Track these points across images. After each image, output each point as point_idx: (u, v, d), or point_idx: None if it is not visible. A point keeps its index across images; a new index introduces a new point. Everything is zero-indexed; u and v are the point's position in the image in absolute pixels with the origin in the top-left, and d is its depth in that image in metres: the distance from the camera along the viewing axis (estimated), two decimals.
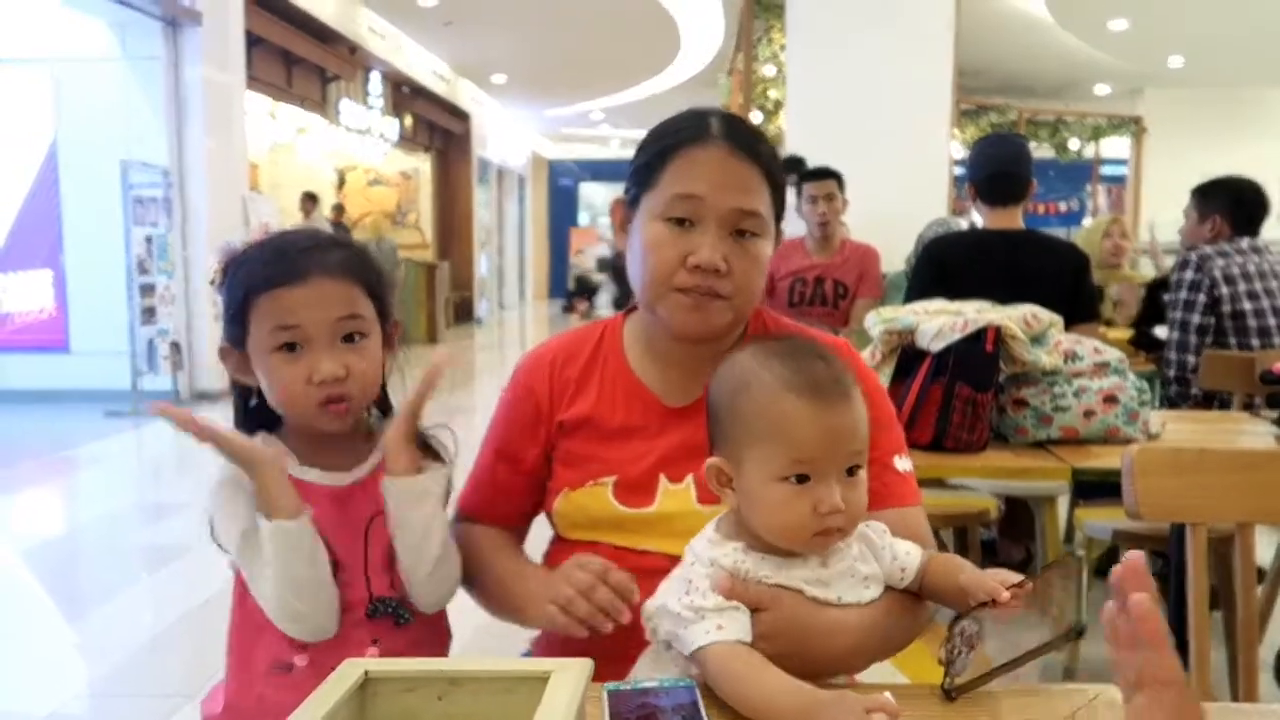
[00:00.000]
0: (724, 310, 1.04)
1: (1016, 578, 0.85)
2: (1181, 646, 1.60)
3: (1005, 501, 3.16)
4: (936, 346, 1.76)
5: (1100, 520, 2.41)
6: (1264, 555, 2.01)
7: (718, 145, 1.04)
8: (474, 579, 1.13)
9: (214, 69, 7.03)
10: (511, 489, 1.16)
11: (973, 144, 2.91)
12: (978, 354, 1.75)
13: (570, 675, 0.60)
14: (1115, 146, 12.59)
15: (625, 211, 1.12)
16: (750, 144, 1.05)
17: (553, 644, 1.12)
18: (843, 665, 0.92)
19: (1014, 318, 1.81)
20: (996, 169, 2.68)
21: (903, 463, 1.09)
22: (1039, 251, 2.66)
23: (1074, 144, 12.00)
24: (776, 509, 0.87)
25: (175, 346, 6.81)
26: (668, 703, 0.81)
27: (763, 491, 0.87)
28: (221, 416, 1.12)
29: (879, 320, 1.84)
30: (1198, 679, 1.25)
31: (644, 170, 1.07)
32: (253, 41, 7.99)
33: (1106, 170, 13.36)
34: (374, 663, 0.62)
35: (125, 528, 4.16)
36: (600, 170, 21.02)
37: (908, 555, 0.94)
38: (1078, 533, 2.70)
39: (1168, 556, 2.84)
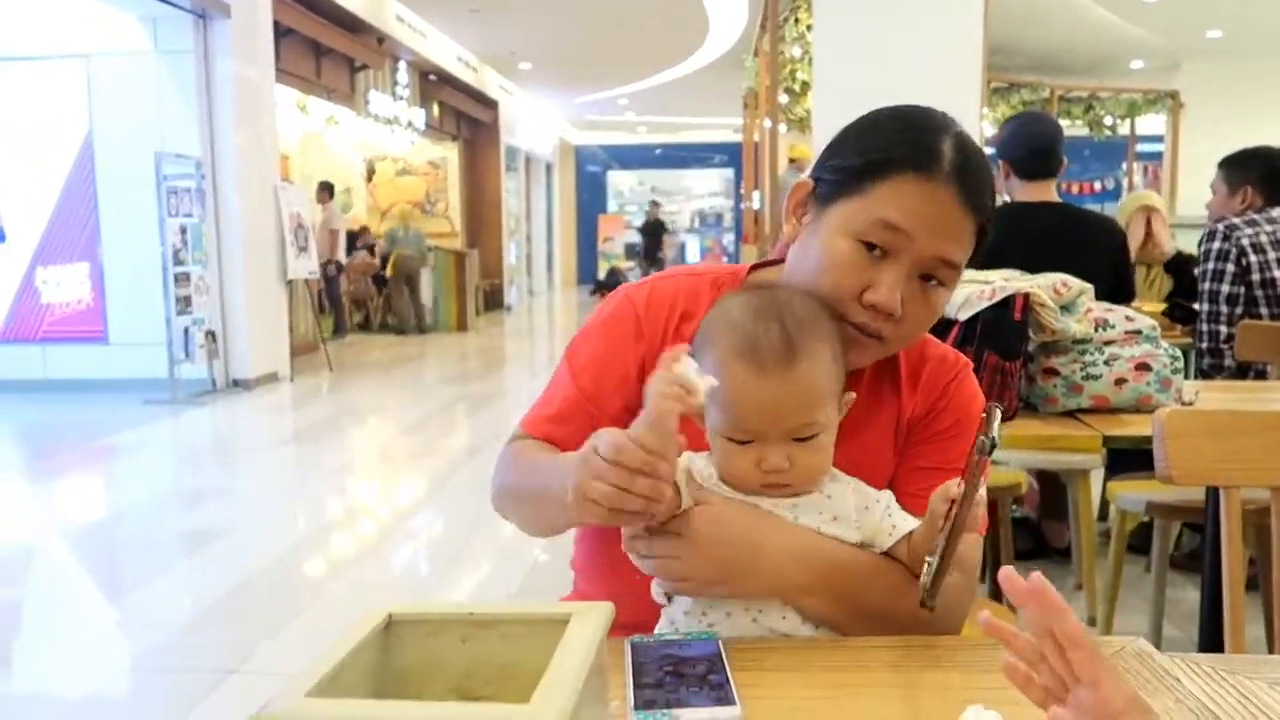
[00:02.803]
0: (878, 352, 0.96)
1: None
2: (1216, 622, 1.59)
3: (1040, 480, 3.14)
4: (964, 315, 1.74)
5: (1133, 493, 2.38)
6: None
7: (946, 186, 0.91)
8: (518, 486, 1.01)
9: (243, 61, 7.10)
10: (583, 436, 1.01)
11: (1003, 122, 2.88)
12: (1006, 322, 1.74)
13: (590, 619, 0.60)
14: (1151, 124, 12.35)
15: (809, 202, 0.98)
16: (978, 193, 0.93)
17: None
18: (781, 575, 0.88)
19: (1043, 285, 1.79)
20: (1037, 144, 2.68)
21: None
22: (1079, 225, 2.65)
23: (1108, 121, 11.78)
24: (723, 459, 0.90)
25: (211, 335, 6.91)
26: (691, 653, 0.82)
27: (713, 439, 0.91)
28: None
29: None
30: (1232, 644, 1.23)
31: (851, 174, 0.94)
32: (281, 33, 8.06)
33: (1143, 148, 13.12)
34: (398, 606, 0.64)
35: (164, 512, 4.24)
36: (628, 157, 20.99)
37: (905, 519, 0.92)
38: (1111, 506, 2.67)
39: (1202, 532, 2.81)
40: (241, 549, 3.63)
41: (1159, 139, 12.46)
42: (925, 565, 0.83)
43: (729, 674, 0.76)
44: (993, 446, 0.78)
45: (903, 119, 0.96)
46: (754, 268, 1.09)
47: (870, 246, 0.92)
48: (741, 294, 0.94)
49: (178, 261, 6.69)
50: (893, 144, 0.93)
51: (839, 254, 0.93)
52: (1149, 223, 3.77)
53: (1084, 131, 11.66)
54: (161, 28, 6.83)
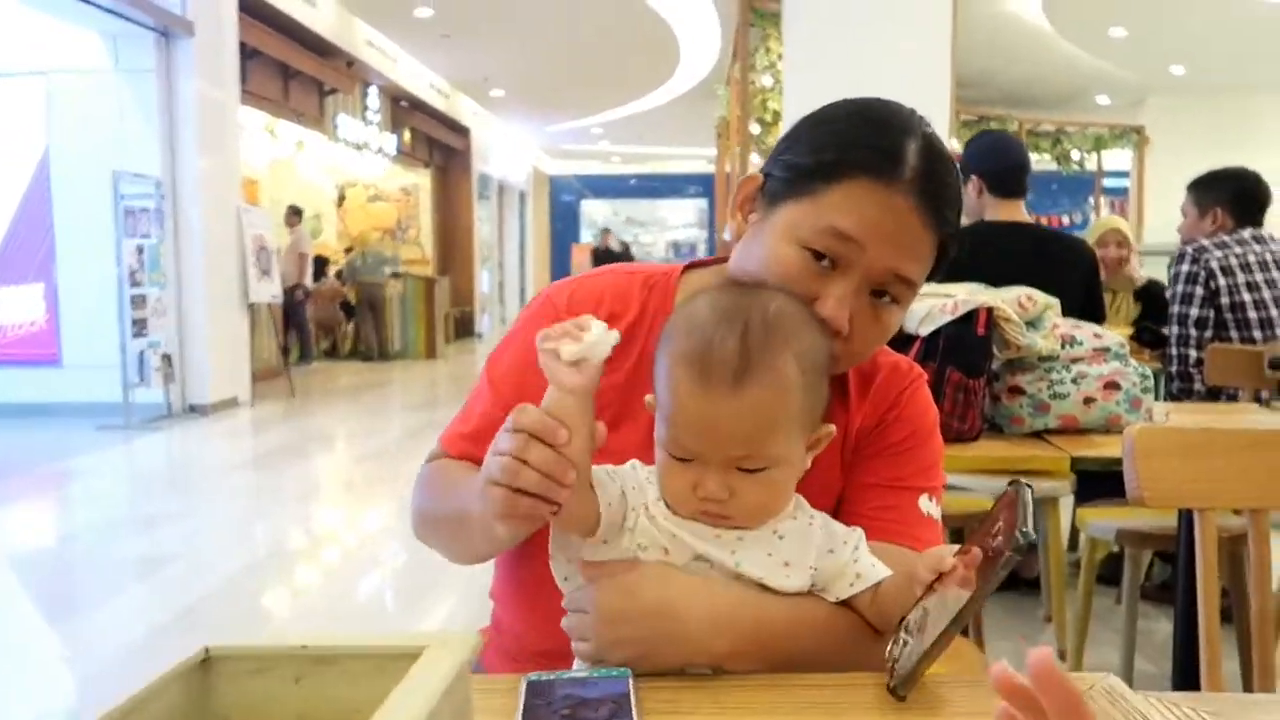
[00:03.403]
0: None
1: (956, 548, 0.73)
2: (1190, 656, 1.50)
3: None
4: (925, 330, 1.66)
5: (1103, 520, 2.30)
6: (1277, 560, 1.91)
7: (906, 195, 0.81)
8: (435, 509, 0.93)
9: (207, 80, 7.00)
10: None
11: (970, 140, 2.81)
12: (969, 337, 1.65)
13: (448, 652, 0.49)
14: (1117, 158, 12.51)
15: (757, 199, 0.89)
16: (942, 204, 0.84)
17: (503, 650, 1.00)
18: (702, 645, 0.76)
19: (1007, 300, 1.71)
20: (1014, 161, 2.62)
21: (929, 505, 0.91)
22: (1051, 245, 2.60)
23: (1075, 155, 11.91)
24: (661, 473, 0.79)
25: (167, 359, 6.74)
26: (596, 693, 0.71)
27: (657, 450, 0.80)
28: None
29: None
30: (1209, 681, 1.14)
31: (802, 173, 0.84)
32: (248, 54, 7.97)
33: (1109, 182, 13.27)
34: (219, 641, 0.52)
35: (114, 538, 4.12)
36: (602, 186, 21.02)
37: (873, 568, 0.79)
38: (1081, 535, 2.59)
39: (1174, 562, 2.73)
40: (192, 575, 3.53)
41: (1125, 174, 12.62)
42: (899, 641, 0.72)
43: (634, 718, 0.65)
44: (1029, 545, 0.65)
45: (864, 115, 0.87)
46: (689, 266, 0.99)
47: (819, 255, 0.82)
48: (718, 290, 0.83)
49: (134, 283, 6.52)
50: (850, 143, 0.83)
51: (784, 261, 0.83)
52: (1116, 246, 3.74)
53: (1052, 166, 11.76)
54: (123, 45, 6.71)
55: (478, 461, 0.86)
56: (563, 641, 0.82)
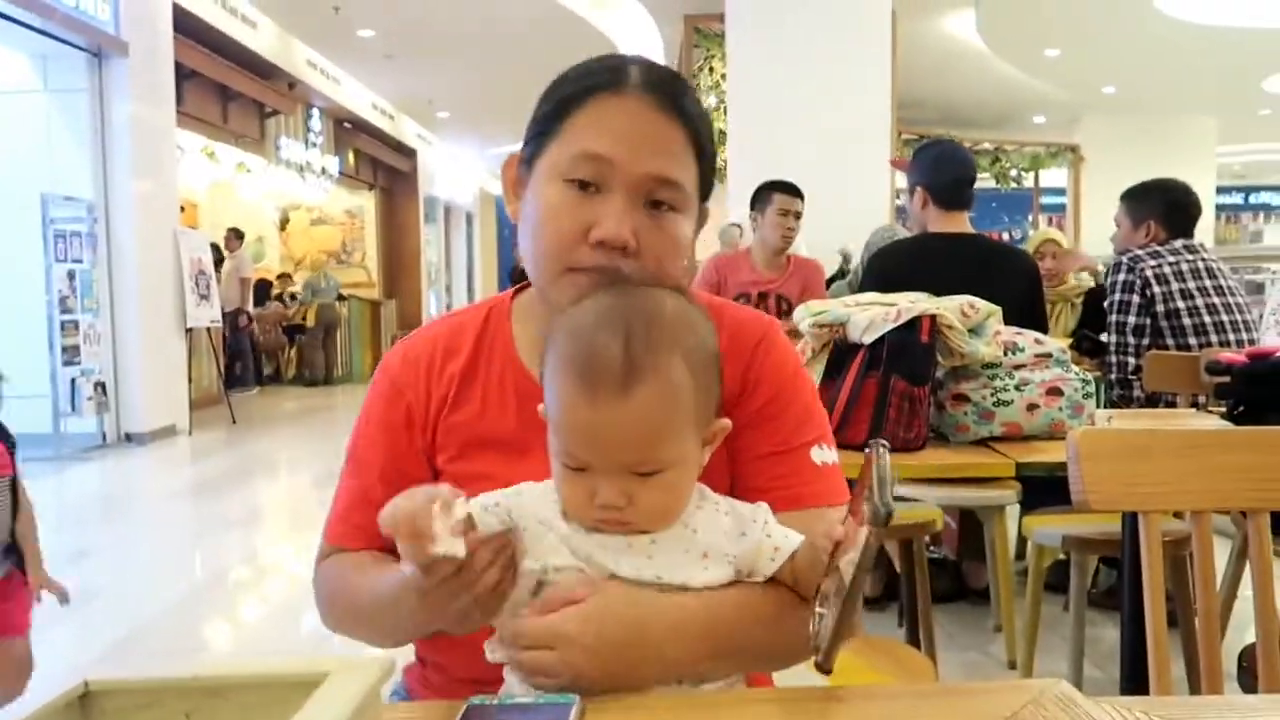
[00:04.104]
0: None
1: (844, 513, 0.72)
2: (1138, 660, 1.50)
3: (960, 520, 3.06)
4: (869, 338, 1.65)
5: (1049, 527, 2.30)
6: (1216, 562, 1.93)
7: (637, 96, 0.85)
8: (352, 603, 0.89)
9: (141, 102, 6.83)
10: None
11: (917, 150, 2.81)
12: (913, 344, 1.65)
13: (352, 679, 0.45)
14: (1054, 176, 12.83)
15: (520, 172, 0.91)
16: (676, 99, 0.86)
17: (428, 681, 0.95)
18: (687, 665, 0.76)
19: (950, 307, 1.71)
20: (962, 174, 2.62)
21: (823, 454, 0.90)
22: (994, 257, 2.61)
23: (1014, 172, 12.19)
24: (560, 484, 0.77)
25: (100, 387, 6.53)
26: (536, 718, 0.67)
27: (553, 461, 0.77)
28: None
29: (808, 314, 1.73)
30: (1158, 685, 1.13)
31: (544, 121, 0.88)
32: (184, 75, 7.81)
33: (1046, 200, 13.60)
34: (99, 674, 0.48)
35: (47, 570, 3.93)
36: None
37: (786, 538, 0.78)
38: (1029, 542, 2.60)
39: (1119, 567, 2.76)
40: (124, 608, 3.38)
41: (1062, 191, 12.94)
42: (816, 616, 0.70)
43: None
44: (888, 517, 0.63)
45: (588, 61, 0.92)
46: (522, 288, 0.98)
47: (583, 185, 0.84)
48: (602, 293, 0.80)
49: (65, 309, 6.32)
50: (579, 79, 0.88)
51: (552, 201, 0.85)
52: (1053, 259, 3.81)
53: (991, 183, 12.02)
54: (53, 66, 6.53)
55: (366, 535, 0.88)
56: (488, 670, 0.77)
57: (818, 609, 0.70)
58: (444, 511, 0.68)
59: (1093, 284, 4.10)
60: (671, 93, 0.86)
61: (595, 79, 0.86)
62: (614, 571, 0.75)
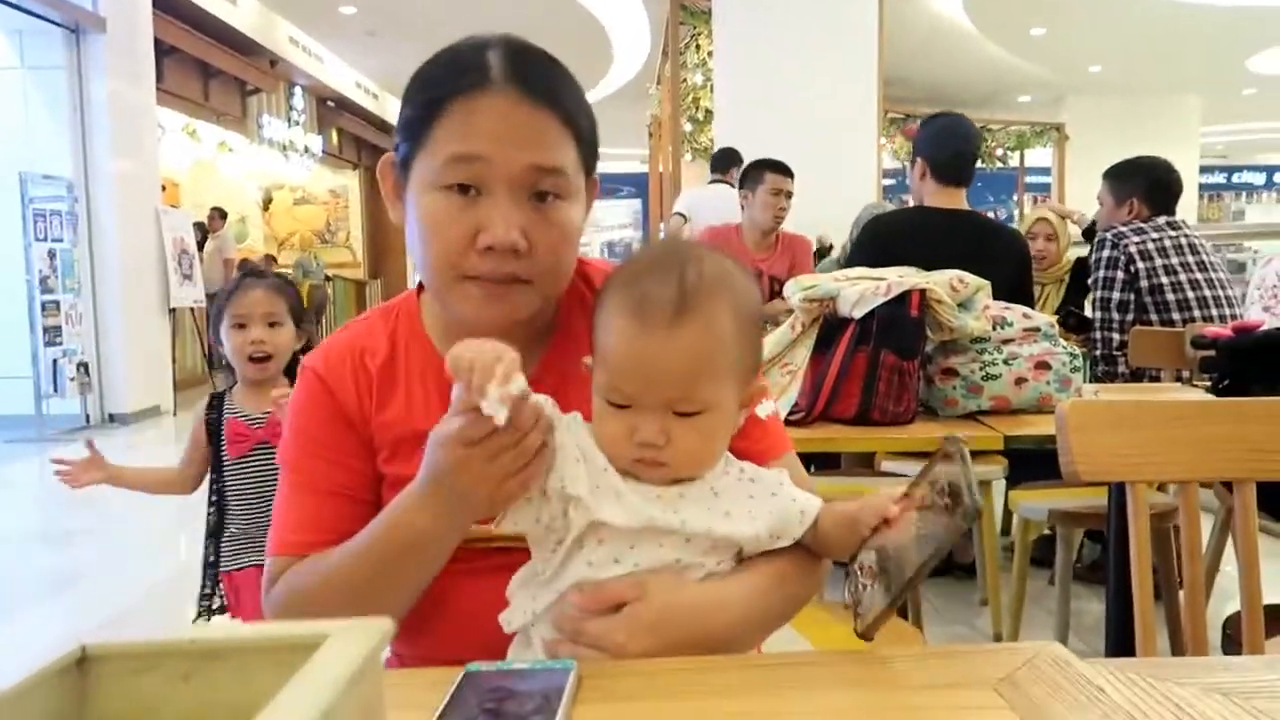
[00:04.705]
0: (528, 297, 0.85)
1: (898, 493, 0.76)
2: (1123, 628, 1.51)
3: None
4: (859, 312, 1.65)
5: (1035, 501, 2.32)
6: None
7: (502, 91, 0.82)
8: (346, 581, 0.83)
9: (121, 79, 6.74)
10: (361, 526, 0.84)
11: (925, 120, 2.78)
12: (902, 318, 1.65)
13: (352, 640, 0.45)
14: (1039, 156, 12.85)
15: (396, 176, 0.89)
16: (545, 86, 0.83)
17: (417, 644, 0.91)
18: (730, 644, 0.79)
19: (939, 282, 1.71)
20: (962, 148, 2.60)
21: (764, 408, 0.93)
22: (987, 234, 2.60)
23: (999, 152, 12.20)
24: (599, 422, 0.79)
25: (83, 367, 6.47)
26: (528, 686, 0.67)
27: (596, 402, 0.80)
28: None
29: (798, 288, 1.73)
30: (1144, 652, 1.15)
31: (412, 126, 0.85)
32: (165, 51, 7.71)
33: (1031, 179, 13.63)
34: (96, 638, 0.47)
35: (26, 554, 3.95)
36: None
37: (809, 501, 0.82)
38: (1015, 516, 2.62)
39: (1104, 542, 2.78)
40: (111, 589, 3.38)
41: (1047, 170, 12.97)
42: (857, 586, 0.74)
43: (562, 713, 0.62)
44: (978, 513, 0.68)
45: (446, 51, 0.88)
46: (421, 288, 0.97)
47: (462, 189, 0.82)
48: (653, 245, 0.85)
49: (46, 289, 6.25)
50: (438, 80, 0.85)
51: (433, 211, 0.83)
52: (1045, 240, 3.77)
53: (977, 164, 12.00)
54: (29, 42, 6.43)
55: (320, 549, 0.85)
56: (469, 656, 0.77)
57: (861, 579, 0.74)
58: (503, 377, 0.68)
59: (1084, 250, 4.02)
60: (542, 79, 0.84)
61: (457, 81, 0.83)
62: (642, 509, 0.77)
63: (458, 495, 0.74)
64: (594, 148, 0.89)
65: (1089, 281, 3.01)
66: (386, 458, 0.89)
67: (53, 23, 6.31)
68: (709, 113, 8.37)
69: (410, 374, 0.91)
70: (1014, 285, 2.48)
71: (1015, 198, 13.74)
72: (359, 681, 0.44)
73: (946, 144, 2.59)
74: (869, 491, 0.80)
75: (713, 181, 4.93)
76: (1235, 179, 19.37)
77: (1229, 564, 2.32)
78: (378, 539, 0.81)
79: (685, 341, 0.74)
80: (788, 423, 1.53)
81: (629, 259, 0.83)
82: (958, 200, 2.59)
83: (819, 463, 2.60)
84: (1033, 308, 2.65)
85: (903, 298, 1.65)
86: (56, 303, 6.34)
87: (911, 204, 2.74)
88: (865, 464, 2.31)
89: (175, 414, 7.20)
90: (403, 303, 0.96)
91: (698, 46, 8.28)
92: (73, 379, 6.37)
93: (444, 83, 0.83)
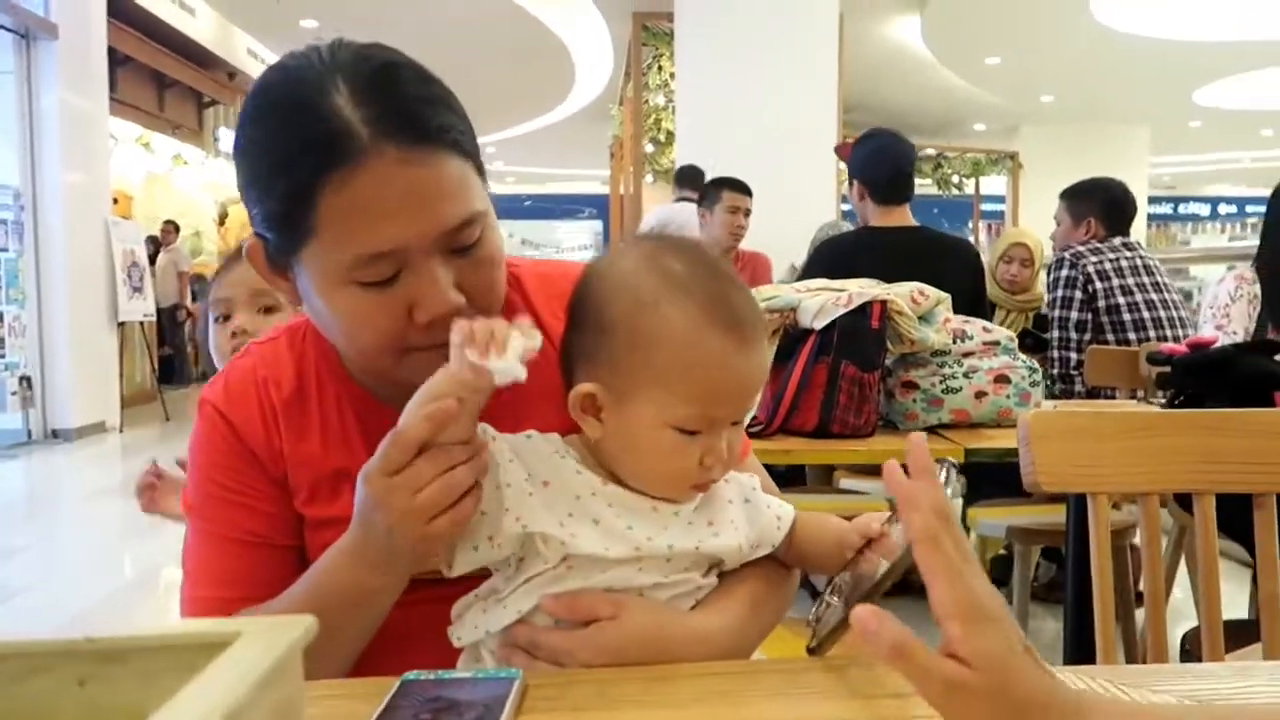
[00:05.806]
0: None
1: (884, 515, 0.74)
2: (1081, 642, 1.50)
3: None
4: (820, 323, 1.63)
5: (993, 519, 2.32)
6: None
7: (379, 156, 0.68)
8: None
9: (72, 87, 6.59)
10: (285, 574, 0.78)
11: (856, 141, 2.78)
12: (863, 330, 1.64)
13: (265, 639, 0.41)
14: (994, 184, 13.07)
15: (275, 259, 0.76)
16: (415, 120, 0.70)
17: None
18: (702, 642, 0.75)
19: (900, 294, 1.70)
20: (893, 169, 2.59)
21: None
22: (936, 246, 2.60)
23: (955, 179, 12.39)
24: (662, 456, 0.72)
25: (26, 381, 6.28)
26: (470, 695, 0.63)
27: (650, 435, 0.71)
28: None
29: (759, 299, 1.70)
30: (1104, 659, 1.13)
31: (282, 219, 0.72)
32: (119, 61, 7.58)
33: (986, 206, 13.86)
34: None
35: None
36: (496, 207, 20.80)
37: (783, 508, 0.80)
38: (972, 534, 2.62)
39: (1060, 560, 2.79)
40: (48, 606, 3.28)
41: (1001, 198, 13.19)
42: (824, 604, 0.72)
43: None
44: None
45: (281, 108, 0.72)
46: None
47: (380, 280, 0.71)
48: (647, 248, 0.75)
49: None
50: (292, 159, 0.70)
51: (351, 308, 0.73)
52: (1020, 265, 3.65)
53: (933, 190, 12.19)
54: None
55: (252, 601, 0.77)
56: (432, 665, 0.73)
57: (828, 597, 0.72)
58: (522, 334, 0.65)
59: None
60: (405, 115, 0.70)
61: (317, 159, 0.68)
62: (626, 537, 0.72)
63: (385, 536, 0.67)
64: (475, 139, 0.77)
65: (1046, 301, 3.03)
66: (305, 499, 0.81)
67: (2, 28, 6.17)
68: (670, 134, 8.39)
69: (325, 405, 0.82)
70: (972, 299, 2.48)
71: (970, 225, 13.95)
72: (272, 684, 0.39)
73: (884, 166, 2.58)
74: (837, 506, 0.79)
75: (680, 199, 4.93)
76: (1182, 209, 19.88)
77: (1179, 587, 2.32)
78: (312, 597, 0.74)
79: (762, 350, 0.74)
80: (747, 434, 1.50)
81: (649, 267, 0.73)
82: (904, 217, 2.60)
83: (781, 481, 2.57)
84: (989, 318, 2.66)
85: (864, 309, 1.64)
86: (0, 314, 6.15)
87: (859, 224, 2.74)
88: (826, 483, 2.29)
89: (122, 430, 7.02)
90: (304, 326, 0.85)
91: (660, 68, 8.32)
92: (15, 393, 6.19)
93: (301, 163, 0.69)
